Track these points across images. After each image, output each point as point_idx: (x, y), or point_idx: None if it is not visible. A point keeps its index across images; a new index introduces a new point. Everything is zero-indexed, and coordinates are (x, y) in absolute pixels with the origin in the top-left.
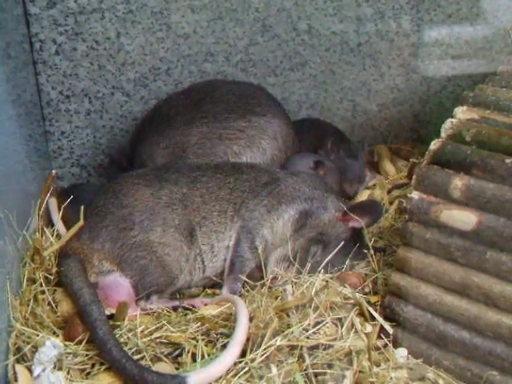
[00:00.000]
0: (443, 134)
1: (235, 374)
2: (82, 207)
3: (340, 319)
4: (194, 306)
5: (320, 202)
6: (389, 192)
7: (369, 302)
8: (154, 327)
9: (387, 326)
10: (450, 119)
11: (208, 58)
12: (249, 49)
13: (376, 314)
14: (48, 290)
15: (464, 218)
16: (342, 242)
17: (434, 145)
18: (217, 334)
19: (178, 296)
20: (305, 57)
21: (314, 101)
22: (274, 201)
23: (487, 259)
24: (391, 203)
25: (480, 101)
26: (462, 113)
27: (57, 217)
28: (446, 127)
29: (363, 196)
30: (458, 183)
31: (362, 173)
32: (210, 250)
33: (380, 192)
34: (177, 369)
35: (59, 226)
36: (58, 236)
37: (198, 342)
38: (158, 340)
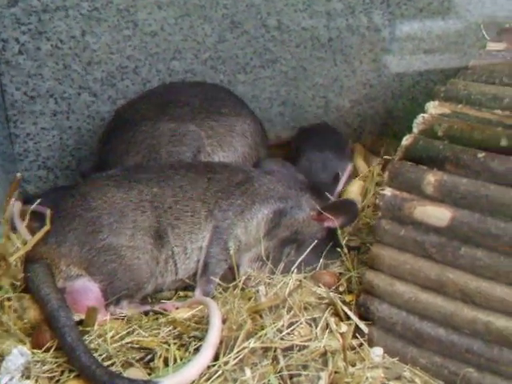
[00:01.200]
0: (415, 130)
1: (208, 378)
2: (49, 211)
3: (314, 319)
4: (165, 310)
5: (294, 202)
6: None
7: (344, 302)
8: (124, 332)
9: (362, 326)
10: (421, 114)
11: (176, 55)
12: (218, 46)
13: (351, 314)
14: (14, 296)
15: (438, 214)
16: (316, 241)
17: (406, 140)
18: (189, 338)
19: (149, 300)
20: (275, 53)
21: (285, 98)
22: (248, 200)
23: (462, 255)
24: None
25: (452, 95)
26: (433, 108)
27: (19, 221)
28: (418, 122)
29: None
30: (431, 179)
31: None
32: (182, 252)
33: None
34: (149, 374)
35: (22, 229)
36: (25, 241)
37: (170, 346)
38: (129, 345)
